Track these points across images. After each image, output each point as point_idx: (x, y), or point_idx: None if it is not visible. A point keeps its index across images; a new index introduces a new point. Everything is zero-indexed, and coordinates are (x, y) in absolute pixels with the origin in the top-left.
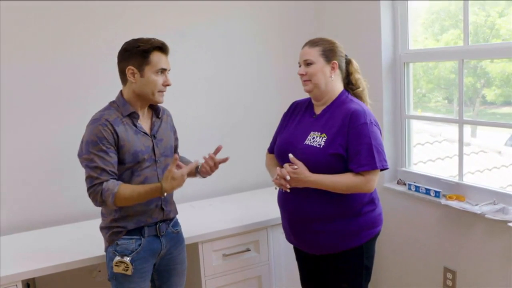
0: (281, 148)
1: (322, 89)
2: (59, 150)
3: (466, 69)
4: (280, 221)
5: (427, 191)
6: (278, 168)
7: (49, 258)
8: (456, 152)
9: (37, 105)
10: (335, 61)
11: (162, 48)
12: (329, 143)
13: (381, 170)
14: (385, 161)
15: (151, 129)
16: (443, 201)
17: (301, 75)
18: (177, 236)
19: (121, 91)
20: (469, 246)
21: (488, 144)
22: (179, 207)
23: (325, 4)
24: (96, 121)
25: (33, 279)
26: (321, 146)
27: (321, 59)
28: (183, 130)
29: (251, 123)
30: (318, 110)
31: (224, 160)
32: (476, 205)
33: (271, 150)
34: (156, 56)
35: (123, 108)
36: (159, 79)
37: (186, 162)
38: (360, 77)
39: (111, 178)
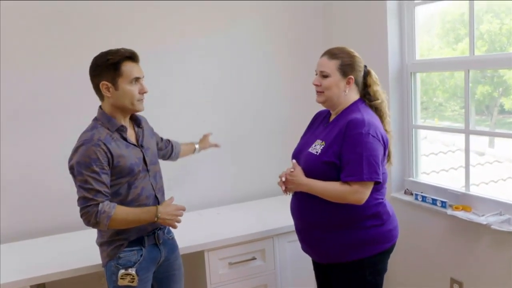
0: (293, 155)
1: (334, 102)
2: (65, 157)
3: (483, 78)
4: (286, 230)
5: (434, 201)
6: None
7: (57, 264)
8: (470, 162)
9: (38, 114)
10: (352, 77)
11: (131, 57)
12: (325, 151)
13: (376, 183)
14: (377, 173)
15: (137, 139)
16: (449, 211)
17: (316, 85)
18: (172, 242)
19: (100, 107)
20: (476, 256)
21: (505, 154)
22: (186, 215)
23: (333, 14)
24: (88, 141)
25: (43, 284)
26: (317, 154)
27: (338, 73)
28: (191, 139)
29: (259, 132)
30: (331, 119)
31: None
32: (482, 215)
33: None
34: (127, 67)
35: (109, 124)
36: (135, 89)
37: (177, 145)
38: (379, 89)
39: (106, 199)
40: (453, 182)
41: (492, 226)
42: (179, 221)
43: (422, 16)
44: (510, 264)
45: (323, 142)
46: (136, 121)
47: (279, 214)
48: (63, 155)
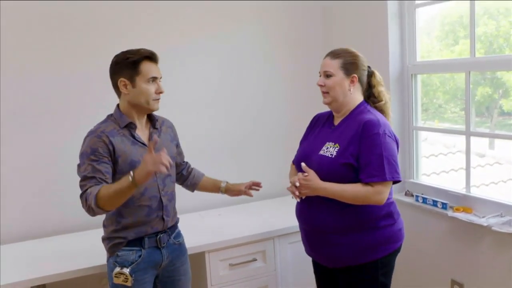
0: (299, 159)
1: (340, 102)
2: (65, 158)
3: (484, 80)
4: (287, 231)
5: (434, 203)
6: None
7: (58, 265)
8: (470, 164)
9: (38, 114)
10: (355, 75)
11: (151, 57)
12: (341, 153)
13: (394, 182)
14: (397, 173)
15: (149, 139)
16: (450, 213)
17: (320, 85)
18: (180, 248)
19: (117, 105)
20: (477, 258)
21: (505, 156)
22: (187, 216)
23: (333, 17)
24: (92, 133)
25: (44, 285)
26: (333, 156)
27: (341, 72)
28: (192, 142)
29: (259, 133)
30: (336, 121)
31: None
32: (483, 217)
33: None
34: (146, 66)
35: (120, 120)
36: (151, 88)
37: (198, 175)
38: (383, 89)
39: (99, 184)
40: (454, 183)
41: (493, 228)
42: (161, 163)
43: (423, 18)
44: (510, 266)
45: (337, 145)
46: (152, 122)
47: (280, 215)
48: (64, 155)
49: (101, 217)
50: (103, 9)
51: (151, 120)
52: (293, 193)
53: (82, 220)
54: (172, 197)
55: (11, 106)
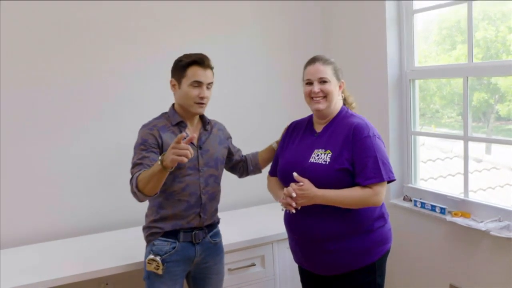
0: (285, 170)
1: (331, 108)
2: (67, 160)
3: (480, 85)
4: (286, 236)
5: (433, 208)
6: (284, 188)
7: (59, 270)
8: (468, 169)
9: (39, 117)
10: (343, 81)
11: (199, 62)
12: (335, 159)
13: (389, 182)
14: (392, 172)
15: (199, 139)
16: (448, 217)
17: (316, 92)
18: (215, 247)
19: (173, 104)
20: (475, 263)
21: (502, 161)
22: None
23: (332, 22)
24: (145, 126)
25: None
26: (327, 163)
27: (334, 78)
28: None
29: (259, 137)
30: (318, 127)
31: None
32: (481, 222)
33: (272, 173)
34: (192, 70)
35: (172, 118)
36: (193, 91)
37: (254, 157)
38: (348, 93)
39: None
40: (451, 188)
41: (491, 232)
42: (181, 154)
43: (421, 23)
44: (509, 270)
45: (329, 151)
46: (204, 124)
47: (279, 220)
48: (65, 156)
49: (102, 221)
50: (103, 11)
51: (203, 122)
52: (289, 204)
53: (83, 224)
54: (213, 198)
55: (12, 107)
